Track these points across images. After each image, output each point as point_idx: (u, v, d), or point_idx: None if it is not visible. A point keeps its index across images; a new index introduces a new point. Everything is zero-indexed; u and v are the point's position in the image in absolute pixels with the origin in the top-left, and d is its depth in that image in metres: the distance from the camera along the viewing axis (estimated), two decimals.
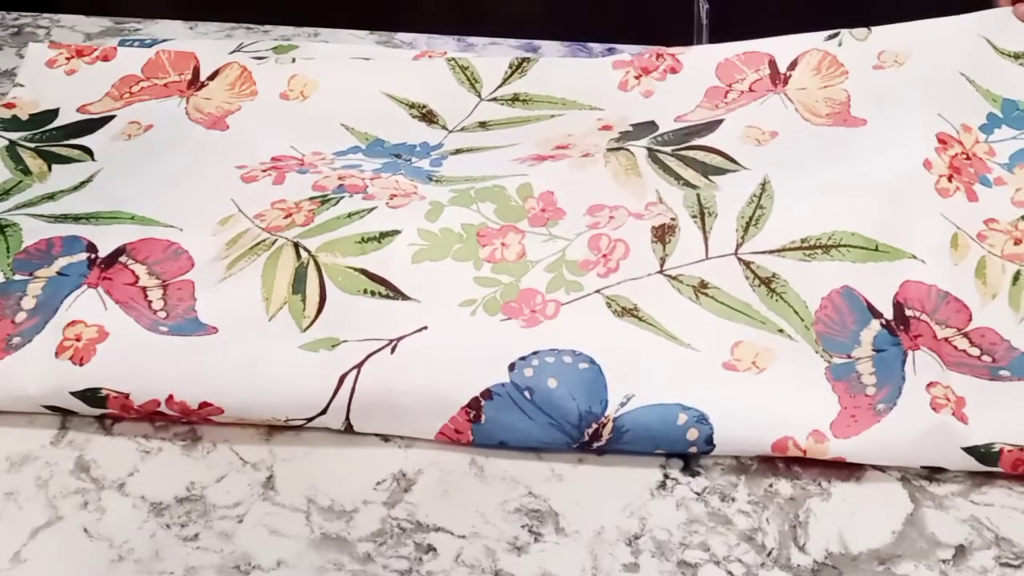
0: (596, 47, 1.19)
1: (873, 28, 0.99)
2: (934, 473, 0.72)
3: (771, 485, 0.72)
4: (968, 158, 0.89)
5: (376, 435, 0.74)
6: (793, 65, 0.99)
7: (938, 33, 0.99)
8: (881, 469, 0.73)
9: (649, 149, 0.92)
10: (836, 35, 1.00)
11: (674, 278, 0.81)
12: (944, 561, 0.67)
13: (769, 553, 0.68)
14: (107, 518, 0.69)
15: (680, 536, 0.68)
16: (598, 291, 0.80)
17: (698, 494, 0.71)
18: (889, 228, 0.83)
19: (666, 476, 0.72)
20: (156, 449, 0.73)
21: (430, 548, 0.67)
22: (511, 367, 0.74)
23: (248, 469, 0.72)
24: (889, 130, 0.91)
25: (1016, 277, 0.82)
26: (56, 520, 0.68)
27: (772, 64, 0.99)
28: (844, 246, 0.82)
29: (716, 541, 0.68)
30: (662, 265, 0.82)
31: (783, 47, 1.00)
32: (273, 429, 0.75)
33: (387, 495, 0.70)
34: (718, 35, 1.13)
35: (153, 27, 1.19)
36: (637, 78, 1.01)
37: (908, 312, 0.78)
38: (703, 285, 0.81)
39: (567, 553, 0.67)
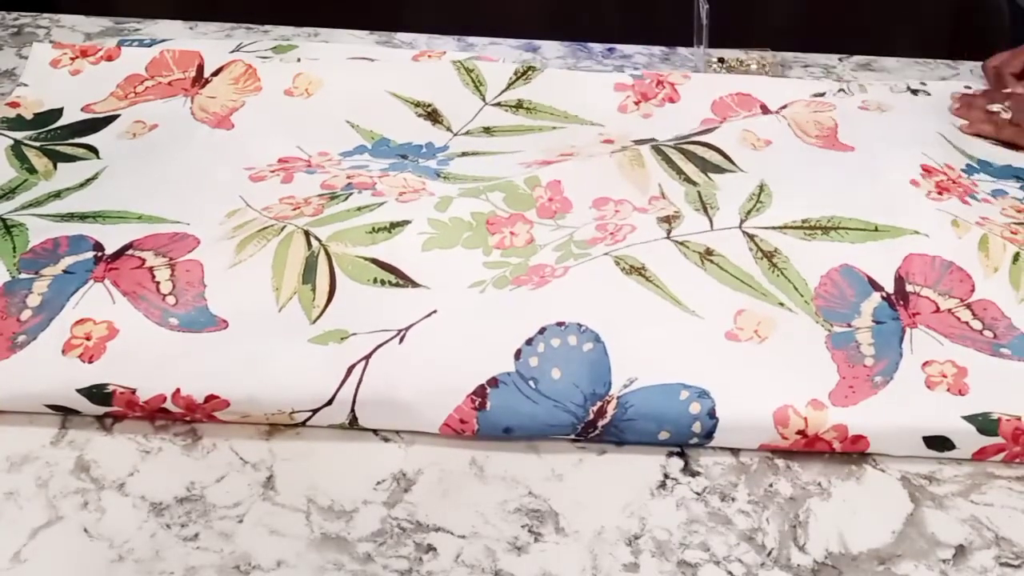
0: (596, 47, 1.20)
1: (855, 93, 1.06)
2: (934, 473, 0.72)
3: (771, 485, 0.72)
4: (954, 182, 0.93)
5: (376, 435, 0.74)
6: (783, 107, 1.03)
7: (915, 101, 1.06)
8: (881, 469, 0.73)
9: (653, 146, 0.95)
10: (822, 94, 1.06)
11: (681, 243, 0.84)
12: (944, 561, 0.67)
13: (769, 553, 0.68)
14: (107, 518, 0.68)
15: (680, 536, 0.68)
16: (606, 254, 0.83)
17: (698, 494, 0.71)
18: (888, 214, 0.87)
19: (666, 476, 0.72)
20: (156, 449, 0.73)
21: (430, 548, 0.67)
22: (517, 355, 0.75)
23: (248, 469, 0.72)
24: (874, 157, 0.96)
25: (1016, 257, 0.84)
26: (56, 520, 0.68)
27: (763, 107, 1.04)
28: (843, 228, 0.85)
29: (716, 541, 0.68)
30: (668, 235, 0.85)
31: (774, 95, 1.05)
32: (273, 429, 0.75)
33: (387, 495, 0.70)
34: (718, 35, 1.13)
35: (153, 27, 1.19)
36: (636, 103, 1.04)
37: (909, 287, 0.81)
38: (709, 252, 0.83)
39: (567, 553, 0.67)
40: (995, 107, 1.02)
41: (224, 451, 0.73)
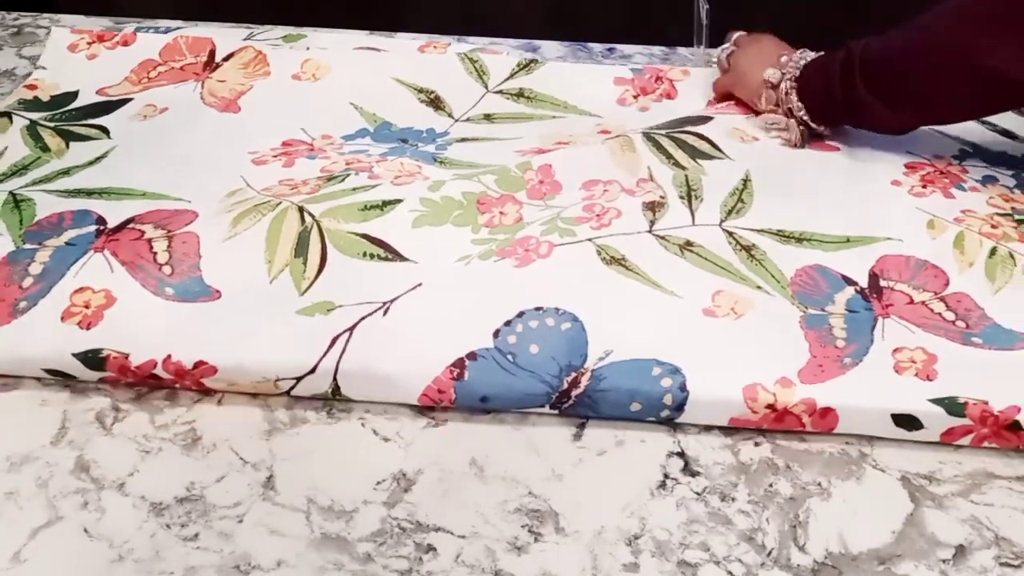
0: (596, 47, 1.20)
1: None
2: (934, 473, 0.72)
3: (771, 485, 0.72)
4: (941, 173, 0.94)
5: (376, 435, 0.74)
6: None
7: None
8: (881, 469, 0.73)
9: (645, 134, 0.96)
10: None
11: (662, 237, 0.85)
12: (944, 561, 0.67)
13: (769, 553, 0.68)
14: (107, 518, 0.69)
15: (680, 536, 0.68)
16: (590, 240, 0.84)
17: (698, 494, 0.71)
18: (860, 225, 0.87)
19: (666, 476, 0.72)
20: (156, 449, 0.73)
21: (430, 548, 0.67)
22: (495, 334, 0.76)
23: (248, 469, 0.72)
24: (858, 157, 0.96)
25: (993, 251, 0.85)
26: (56, 520, 0.68)
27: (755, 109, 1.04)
28: (815, 240, 0.86)
29: (716, 541, 0.68)
30: (651, 226, 0.86)
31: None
32: (273, 429, 0.75)
33: (387, 495, 0.70)
34: (718, 35, 1.13)
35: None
36: (635, 97, 1.06)
37: (883, 283, 0.82)
38: (688, 244, 0.85)
39: (567, 553, 0.67)
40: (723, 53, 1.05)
41: (224, 451, 0.73)
